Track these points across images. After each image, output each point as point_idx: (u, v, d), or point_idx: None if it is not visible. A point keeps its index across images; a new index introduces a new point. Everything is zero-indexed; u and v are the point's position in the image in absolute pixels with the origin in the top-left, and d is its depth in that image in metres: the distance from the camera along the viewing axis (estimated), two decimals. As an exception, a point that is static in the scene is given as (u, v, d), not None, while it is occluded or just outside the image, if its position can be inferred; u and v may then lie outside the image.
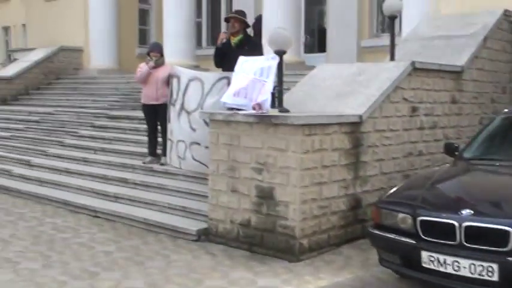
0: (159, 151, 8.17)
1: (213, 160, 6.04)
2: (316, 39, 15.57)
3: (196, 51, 15.13)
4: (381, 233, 4.49)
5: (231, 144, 5.85)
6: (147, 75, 8.01)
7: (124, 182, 7.82)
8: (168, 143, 7.84)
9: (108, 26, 16.42)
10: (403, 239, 4.30)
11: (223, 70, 7.18)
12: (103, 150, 9.14)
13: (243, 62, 6.39)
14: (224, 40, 7.28)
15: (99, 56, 16.41)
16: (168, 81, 7.86)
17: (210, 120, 6.04)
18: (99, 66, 16.30)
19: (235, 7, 16.45)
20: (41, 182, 8.67)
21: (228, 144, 5.88)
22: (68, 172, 8.73)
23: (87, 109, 11.91)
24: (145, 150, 8.50)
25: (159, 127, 8.13)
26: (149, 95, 8.02)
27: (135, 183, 7.66)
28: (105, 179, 8.10)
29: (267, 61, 6.02)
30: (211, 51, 16.50)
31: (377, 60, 8.57)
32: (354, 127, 5.94)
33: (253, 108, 5.85)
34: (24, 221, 6.95)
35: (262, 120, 5.52)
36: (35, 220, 7.03)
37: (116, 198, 7.45)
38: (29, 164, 9.44)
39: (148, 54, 8.22)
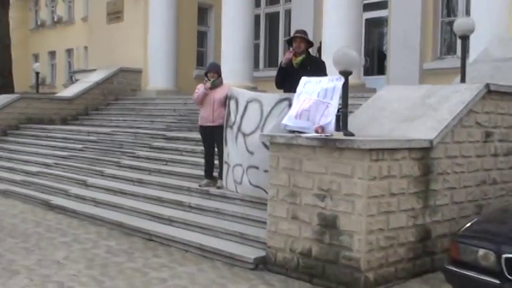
0: (215, 174, 7.95)
1: (273, 185, 5.75)
2: (376, 62, 15.20)
3: (254, 72, 15.01)
4: (459, 270, 4.08)
5: (292, 168, 5.56)
6: (203, 96, 7.84)
7: (179, 204, 7.63)
8: (225, 166, 7.61)
9: (167, 48, 16.57)
10: (485, 277, 3.88)
11: (285, 91, 6.93)
12: (159, 171, 9.01)
13: (306, 83, 6.13)
14: (289, 58, 7.02)
15: (157, 77, 16.56)
16: (225, 102, 7.66)
17: (270, 143, 5.76)
18: (157, 87, 16.43)
19: (293, 29, 16.31)
20: (96, 202, 8.59)
21: (288, 168, 5.59)
22: (123, 193, 8.62)
23: (144, 130, 11.90)
24: (202, 172, 8.31)
25: (216, 149, 7.93)
26: (206, 117, 7.84)
27: (191, 207, 7.46)
28: (160, 201, 7.94)
29: (332, 82, 5.73)
30: (268, 73, 16.62)
31: (440, 83, 8.14)
32: (424, 153, 5.55)
33: (316, 131, 5.56)
34: (78, 243, 6.84)
35: (326, 144, 5.21)
36: (90, 242, 6.91)
37: (171, 221, 7.26)
38: (85, 184, 9.42)
39: (205, 74, 8.06)
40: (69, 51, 33.16)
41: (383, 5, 14.45)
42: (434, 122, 5.83)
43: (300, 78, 6.24)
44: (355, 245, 5.08)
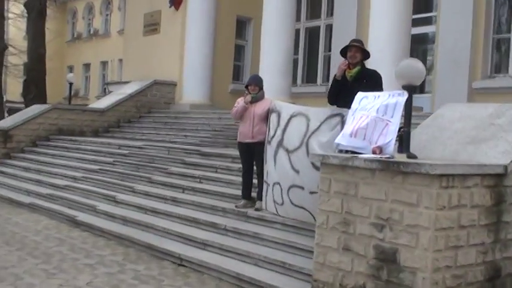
0: (254, 194, 7.34)
1: (322, 211, 5.10)
2: (420, 80, 14.47)
3: (292, 88, 14.43)
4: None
5: (346, 193, 4.90)
6: (243, 110, 7.26)
7: (214, 227, 7.02)
8: (264, 186, 7.01)
9: (203, 61, 16.15)
10: None
11: (338, 106, 6.28)
12: (193, 189, 8.44)
13: (362, 98, 5.48)
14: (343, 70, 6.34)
15: (192, 90, 16.12)
16: (266, 117, 7.08)
17: (322, 163, 5.12)
18: (192, 101, 15.99)
19: (334, 45, 15.73)
20: (125, 221, 8.05)
21: (342, 193, 4.93)
22: (154, 212, 8.07)
23: (177, 144, 11.39)
24: (238, 192, 7.71)
25: (255, 167, 7.32)
26: (245, 133, 7.25)
27: (226, 230, 6.84)
28: (193, 222, 7.34)
29: (393, 97, 5.07)
30: (306, 88, 16.03)
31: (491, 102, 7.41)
32: (496, 180, 4.83)
33: (374, 152, 4.91)
34: (104, 266, 6.28)
35: (388, 167, 4.54)
36: (116, 265, 6.34)
37: (205, 245, 6.66)
38: (114, 201, 8.90)
39: (246, 87, 7.49)
40: (104, 64, 33.18)
41: (429, 21, 13.78)
42: (506, 145, 5.12)
43: (353, 93, 5.59)
44: (419, 284, 4.38)
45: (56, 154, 12.81)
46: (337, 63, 15.60)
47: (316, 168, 5.96)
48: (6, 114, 19.10)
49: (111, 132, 15.09)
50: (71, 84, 15.27)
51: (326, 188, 5.09)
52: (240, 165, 8.53)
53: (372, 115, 5.13)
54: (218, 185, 8.36)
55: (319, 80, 16.38)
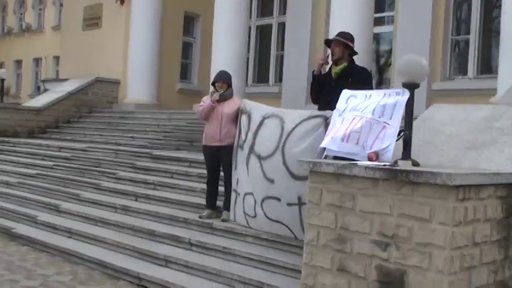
0: (219, 203, 6.61)
1: (312, 225, 4.44)
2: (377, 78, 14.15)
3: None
4: None
5: (340, 206, 4.26)
6: (209, 110, 6.52)
7: (175, 240, 6.24)
8: (233, 195, 6.31)
9: (149, 58, 15.24)
10: None
11: (319, 108, 5.64)
12: (147, 197, 7.61)
13: (349, 97, 4.86)
14: (323, 66, 5.71)
15: (137, 89, 15.17)
16: (236, 118, 6.38)
17: (311, 171, 4.46)
18: (137, 100, 15.04)
19: (287, 44, 15.19)
20: (71, 233, 7.14)
21: (336, 205, 4.29)
22: (104, 223, 7.19)
23: (125, 147, 10.48)
24: (199, 200, 7.01)
25: (222, 174, 6.60)
26: (211, 135, 6.50)
27: (191, 244, 6.08)
28: (150, 234, 6.54)
29: (391, 97, 4.48)
30: (258, 89, 15.37)
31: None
32: (508, 190, 4.33)
33: (370, 159, 4.29)
34: (49, 289, 5.40)
35: (394, 176, 3.93)
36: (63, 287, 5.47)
37: (166, 262, 5.87)
38: (57, 210, 7.95)
39: (213, 84, 6.75)
40: (37, 61, 31.43)
41: (389, 21, 13.49)
42: None
43: (337, 92, 4.97)
44: (431, 312, 3.80)
45: (-14, 157, 11.59)
46: (291, 62, 15.15)
47: (295, 177, 5.34)
48: None
49: (49, 133, 13.95)
50: (2, 80, 13.99)
51: (316, 199, 4.43)
52: (200, 171, 7.84)
53: (367, 116, 4.53)
54: (176, 192, 7.58)
55: (271, 79, 15.81)
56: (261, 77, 16.24)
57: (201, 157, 8.49)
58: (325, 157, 4.78)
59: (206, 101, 6.60)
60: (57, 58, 30.50)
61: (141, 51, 15.19)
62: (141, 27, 15.25)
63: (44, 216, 7.80)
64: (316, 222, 4.40)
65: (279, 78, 15.40)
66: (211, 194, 6.58)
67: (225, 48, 13.10)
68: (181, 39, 16.76)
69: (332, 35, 11.18)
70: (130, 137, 11.85)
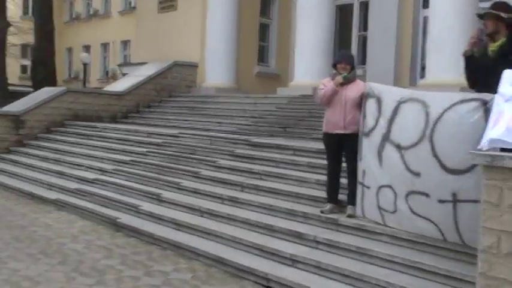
0: (341, 196, 6.09)
1: (489, 230, 3.85)
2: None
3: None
4: None
5: (530, 208, 3.66)
6: (332, 94, 5.97)
7: (298, 237, 5.77)
8: (359, 188, 5.76)
9: (227, 41, 14.82)
10: None
11: (477, 91, 5.01)
12: (255, 187, 7.17)
13: (515, 78, 4.21)
14: (475, 46, 5.05)
15: (215, 73, 14.79)
16: (361, 103, 5.81)
17: (487, 166, 3.86)
18: (216, 84, 14.66)
19: (371, 20, 14.42)
20: (178, 225, 6.78)
21: (523, 207, 3.70)
22: (212, 214, 6.80)
23: (216, 133, 10.09)
24: (315, 192, 6.51)
25: (343, 164, 6.07)
26: (334, 122, 5.96)
27: (317, 241, 5.59)
28: (269, 230, 6.08)
29: None
30: (339, 72, 14.67)
31: None
32: None
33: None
34: (174, 288, 5.04)
35: None
36: (187, 287, 5.09)
37: (293, 261, 5.41)
38: (158, 199, 7.62)
39: (334, 66, 6.20)
40: (105, 46, 31.64)
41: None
42: None
43: (497, 72, 4.32)
44: None
45: (75, 142, 11.49)
46: (375, 43, 14.30)
47: (448, 170, 4.73)
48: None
49: (131, 118, 13.77)
50: (85, 64, 13.89)
51: (495, 199, 3.84)
52: (309, 160, 7.38)
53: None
54: (286, 183, 7.10)
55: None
56: (343, 59, 15.51)
57: (306, 145, 8.08)
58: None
59: (327, 84, 6.05)
60: (124, 43, 30.71)
61: (219, 33, 14.79)
62: (218, 8, 14.84)
63: (146, 206, 7.49)
64: (496, 227, 3.81)
65: (362, 61, 14.68)
66: (333, 187, 6.06)
67: (310, 27, 12.55)
68: (258, 21, 16.24)
69: (433, 14, 10.55)
70: (217, 122, 11.49)
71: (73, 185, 8.99)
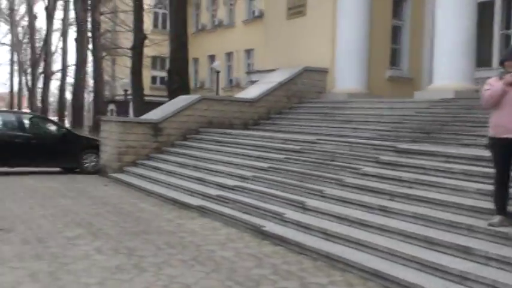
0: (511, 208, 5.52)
1: None
2: None
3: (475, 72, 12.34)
4: None
5: None
6: (500, 95, 5.43)
7: (464, 252, 5.26)
8: (534, 199, 5.17)
9: (358, 45, 14.45)
10: None
11: None
12: (406, 197, 6.75)
13: None
14: None
15: (346, 78, 14.47)
16: (534, 105, 5.22)
17: None
18: (347, 89, 14.33)
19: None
20: (326, 234, 6.52)
21: None
22: (361, 224, 6.46)
23: (353, 138, 9.76)
24: (475, 202, 5.97)
25: (513, 173, 5.50)
26: (504, 125, 5.41)
27: (487, 257, 5.05)
28: (428, 242, 5.63)
29: None
30: (479, 73, 13.73)
31: None
32: None
33: None
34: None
35: None
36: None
37: (463, 279, 4.91)
38: (303, 207, 7.42)
39: (501, 64, 5.65)
40: (229, 55, 32.37)
41: None
42: None
43: None
44: None
45: (211, 149, 11.67)
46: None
47: None
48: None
49: (262, 124, 13.81)
50: (217, 72, 14.12)
51: None
52: (465, 167, 6.83)
53: None
54: (440, 192, 6.60)
55: (494, 63, 14.07)
56: (483, 60, 14.57)
57: (458, 151, 7.54)
58: None
59: (495, 84, 5.52)
60: (248, 51, 31.26)
61: (350, 37, 14.45)
62: (348, 12, 14.52)
63: (291, 214, 7.32)
64: None
65: (506, 61, 13.59)
66: (503, 197, 5.50)
67: (451, 27, 11.83)
68: (391, 23, 15.69)
69: None
70: (352, 128, 11.15)
71: (214, 192, 9.07)
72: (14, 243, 6.29)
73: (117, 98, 36.42)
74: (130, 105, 35.87)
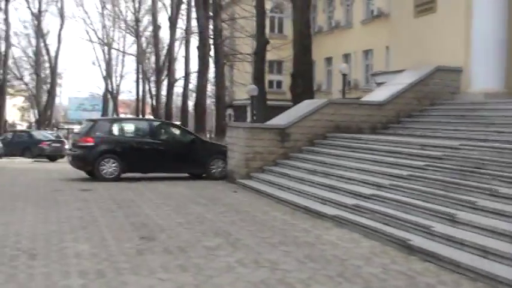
0: None
1: None
2: None
3: None
4: None
5: None
6: None
7: None
8: None
9: (495, 41, 13.31)
10: None
11: None
12: None
13: None
14: None
15: (483, 77, 13.42)
16: None
17: None
18: (484, 89, 13.30)
19: None
20: (484, 251, 5.88)
21: None
22: (528, 242, 5.77)
23: (500, 143, 8.91)
24: None
25: None
26: None
27: None
28: None
29: None
30: None
31: None
32: None
33: None
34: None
35: None
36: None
37: None
38: (452, 220, 6.81)
39: None
40: (346, 57, 31.71)
41: None
42: None
43: None
44: None
45: (341, 154, 11.27)
46: None
47: None
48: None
49: (392, 128, 13.17)
50: (344, 75, 13.70)
51: None
52: None
53: None
54: None
55: None
56: None
57: None
58: None
59: None
60: (366, 52, 30.48)
61: (486, 33, 13.39)
62: (484, 6, 13.44)
63: (440, 227, 6.73)
64: None
65: None
66: None
67: None
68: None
69: None
70: (496, 132, 10.24)
71: (349, 201, 8.67)
72: (158, 252, 6.29)
73: (234, 103, 37.08)
74: (248, 109, 36.57)
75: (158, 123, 16.65)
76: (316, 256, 6.32)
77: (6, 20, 41.18)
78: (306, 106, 13.41)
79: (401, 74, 14.95)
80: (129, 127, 14.57)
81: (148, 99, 48.62)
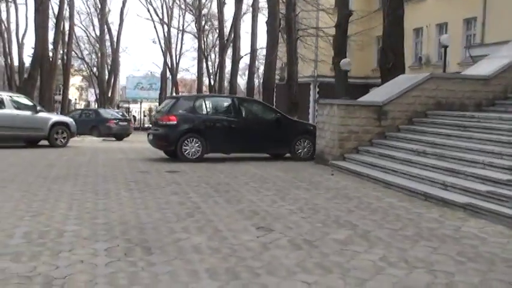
0: None
1: None
2: None
3: None
4: None
5: None
6: None
7: None
8: None
9: None
10: None
11: None
12: None
13: None
14: None
15: None
16: None
17: None
18: None
19: None
20: None
21: None
22: None
23: None
24: None
25: None
26: None
27: None
28: None
29: None
30: None
31: None
32: None
33: None
34: None
35: None
36: None
37: None
38: None
39: None
40: (418, 31, 30.05)
41: None
42: None
43: None
44: None
45: (450, 134, 10.23)
46: None
47: None
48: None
49: (499, 105, 11.96)
50: (445, 47, 12.52)
51: None
52: None
53: None
54: None
55: None
56: None
57: None
58: None
59: None
60: (439, 26, 28.68)
61: None
62: None
63: None
64: None
65: None
66: None
67: None
68: None
69: None
70: None
71: (480, 186, 7.65)
72: (285, 247, 5.51)
73: (300, 80, 35.87)
74: (311, 87, 35.30)
75: (242, 100, 15.75)
76: (471, 254, 5.39)
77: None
78: (403, 81, 12.34)
79: (504, 46, 13.61)
80: (213, 105, 13.81)
81: (204, 78, 48.06)
